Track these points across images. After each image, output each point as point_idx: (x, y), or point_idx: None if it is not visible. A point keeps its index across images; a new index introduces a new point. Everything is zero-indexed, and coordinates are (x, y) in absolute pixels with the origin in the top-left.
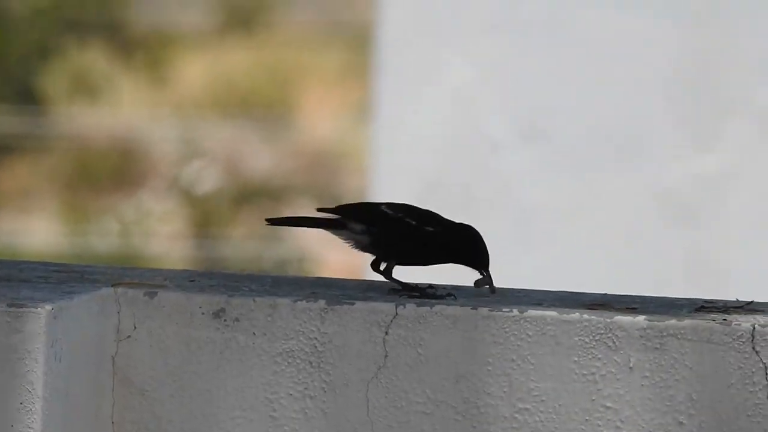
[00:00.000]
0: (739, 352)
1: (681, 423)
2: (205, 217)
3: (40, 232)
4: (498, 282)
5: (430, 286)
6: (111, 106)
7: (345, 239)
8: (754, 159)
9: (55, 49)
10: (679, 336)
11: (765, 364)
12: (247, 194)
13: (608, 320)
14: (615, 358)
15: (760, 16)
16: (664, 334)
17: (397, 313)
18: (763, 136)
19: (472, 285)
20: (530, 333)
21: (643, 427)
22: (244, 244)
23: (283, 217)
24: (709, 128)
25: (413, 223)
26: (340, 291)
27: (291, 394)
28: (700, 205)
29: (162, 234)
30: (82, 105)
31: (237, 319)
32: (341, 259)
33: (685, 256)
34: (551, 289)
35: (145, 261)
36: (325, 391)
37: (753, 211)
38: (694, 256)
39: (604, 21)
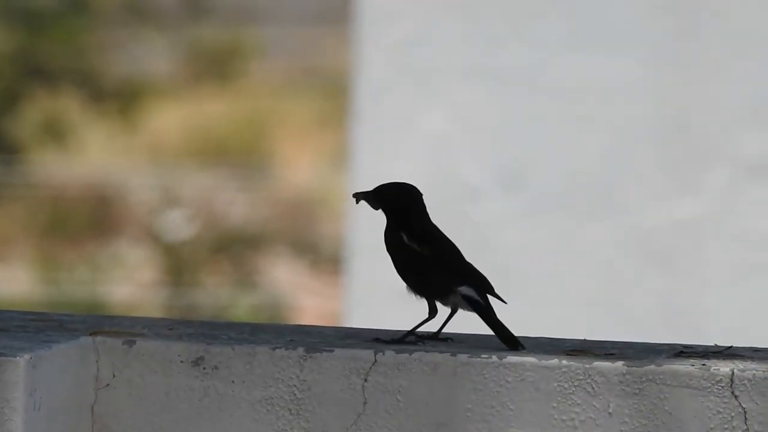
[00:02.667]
0: (718, 396)
1: None
2: (180, 264)
3: (14, 281)
4: (477, 329)
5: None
6: (84, 153)
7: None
8: (733, 205)
9: (25, 96)
10: (658, 381)
11: (744, 408)
12: (223, 242)
13: (587, 366)
14: (594, 403)
15: (740, 62)
16: (643, 379)
17: (376, 360)
18: (742, 182)
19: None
20: (509, 379)
21: None
22: (220, 291)
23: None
24: (688, 174)
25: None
26: (319, 338)
27: None
28: (679, 250)
29: (137, 282)
30: (55, 152)
31: (216, 367)
32: (321, 305)
33: (663, 302)
34: (530, 336)
35: (120, 309)
36: None
37: (731, 256)
38: (673, 302)
39: (583, 68)
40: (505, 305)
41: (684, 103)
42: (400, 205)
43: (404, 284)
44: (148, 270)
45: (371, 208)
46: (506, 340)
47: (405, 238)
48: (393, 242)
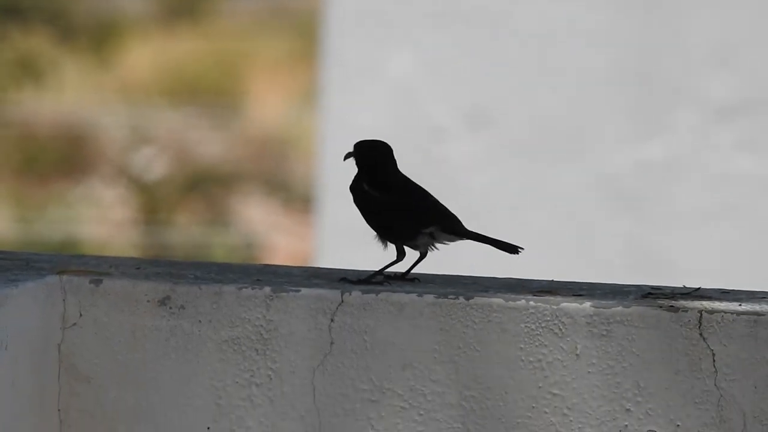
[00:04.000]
0: (686, 338)
1: (628, 410)
2: (153, 203)
3: None
4: (445, 269)
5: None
6: (56, 92)
7: None
8: (700, 147)
9: None
10: (626, 323)
11: (713, 350)
12: (195, 181)
13: (554, 307)
14: (561, 345)
15: (706, 5)
16: (611, 320)
17: (342, 301)
18: (709, 125)
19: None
20: (476, 320)
21: (590, 414)
22: (193, 230)
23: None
24: (654, 117)
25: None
26: (286, 278)
27: (237, 382)
28: (647, 192)
29: (109, 221)
30: (27, 91)
31: (182, 307)
32: (293, 245)
33: (631, 244)
34: (498, 276)
35: (93, 248)
36: (271, 379)
37: (698, 198)
38: (641, 244)
39: (548, 11)
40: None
41: (651, 47)
42: (368, 159)
43: (373, 232)
44: (120, 209)
45: (339, 150)
46: (504, 248)
47: (365, 185)
48: (355, 190)
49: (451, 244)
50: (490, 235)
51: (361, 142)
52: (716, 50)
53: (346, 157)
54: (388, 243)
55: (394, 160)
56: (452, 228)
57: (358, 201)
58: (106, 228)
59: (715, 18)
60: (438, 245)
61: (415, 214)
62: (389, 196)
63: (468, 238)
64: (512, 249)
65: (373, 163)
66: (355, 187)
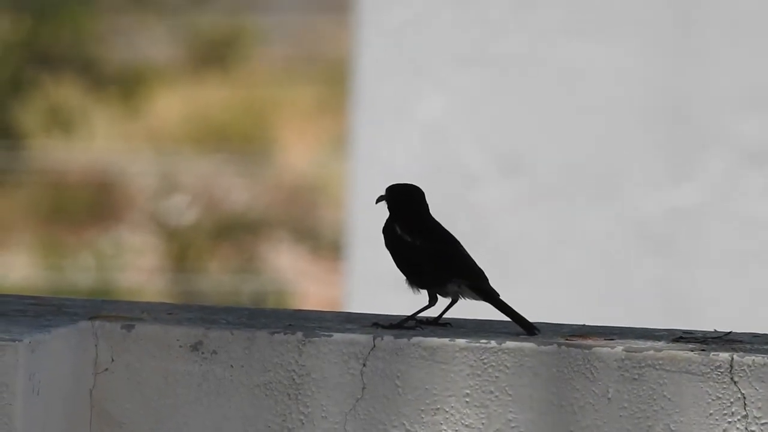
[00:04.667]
0: (717, 382)
1: None
2: (183, 250)
3: (17, 267)
4: (477, 314)
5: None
6: (86, 140)
7: None
8: (731, 191)
9: (29, 83)
10: (657, 366)
11: (743, 394)
12: (224, 228)
13: (586, 351)
14: (593, 389)
15: (737, 48)
16: (642, 364)
17: (374, 345)
18: (740, 169)
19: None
20: (508, 364)
21: None
22: (222, 277)
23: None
24: (686, 160)
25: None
26: (318, 323)
27: (269, 426)
28: (678, 236)
29: (139, 268)
30: (58, 139)
31: (215, 352)
32: (322, 292)
33: (662, 288)
34: (530, 321)
35: (122, 295)
36: (303, 423)
37: (729, 242)
38: (672, 288)
39: (580, 54)
40: (504, 292)
41: (681, 90)
42: (400, 203)
43: (404, 277)
44: (150, 256)
45: (370, 196)
46: (522, 325)
47: (398, 229)
48: (387, 234)
49: (475, 302)
50: (513, 307)
51: (393, 185)
52: (748, 93)
53: (379, 200)
54: (419, 288)
55: (427, 204)
56: (478, 285)
57: (389, 244)
58: (136, 275)
59: (747, 60)
60: (465, 298)
61: (444, 262)
62: (421, 241)
63: (489, 302)
64: (530, 329)
65: (406, 207)
66: (387, 230)
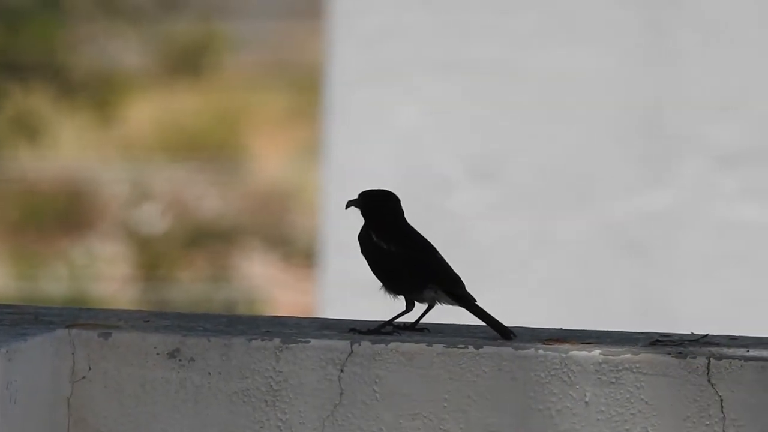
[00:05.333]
0: (694, 385)
1: None
2: (155, 259)
3: None
4: (455, 319)
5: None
6: (57, 148)
7: None
8: (705, 195)
9: None
10: (634, 370)
11: (721, 396)
12: (196, 236)
13: (564, 355)
14: (571, 392)
15: (710, 54)
16: (620, 368)
17: (352, 351)
18: (713, 173)
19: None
20: (486, 369)
21: None
22: (194, 286)
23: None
24: (659, 164)
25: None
26: (295, 329)
27: None
28: (653, 240)
29: (111, 277)
30: (28, 148)
31: (192, 359)
32: (294, 299)
33: (638, 291)
34: (507, 325)
35: (95, 304)
36: (281, 430)
37: (704, 246)
38: (648, 291)
39: (554, 60)
40: (481, 298)
41: (655, 95)
42: (375, 208)
43: (380, 283)
44: (122, 265)
45: (343, 203)
46: (498, 330)
47: (373, 236)
48: (362, 241)
49: (452, 307)
50: (489, 313)
51: (367, 191)
52: (720, 97)
53: (348, 205)
54: (396, 294)
55: (402, 210)
56: (454, 291)
57: (365, 251)
58: (109, 284)
59: (719, 65)
60: (441, 303)
61: (420, 268)
62: (396, 248)
63: (466, 308)
64: (506, 333)
65: (381, 213)
66: (362, 237)
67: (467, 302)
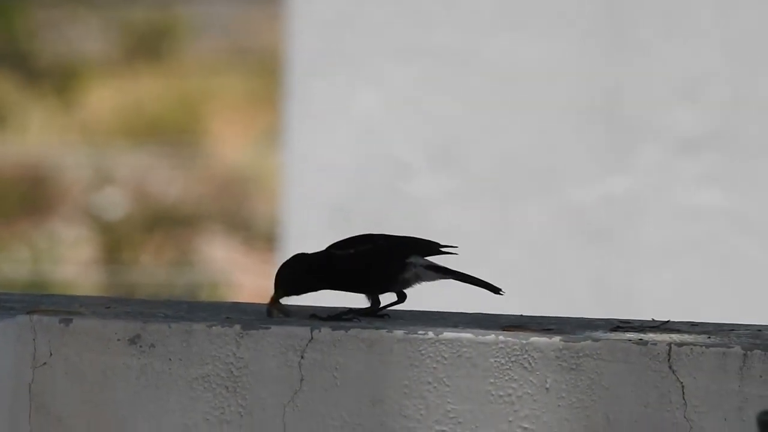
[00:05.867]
0: (655, 371)
1: None
2: (116, 243)
3: None
4: (413, 305)
5: (350, 310)
6: (19, 133)
7: None
8: (665, 181)
9: None
10: (595, 356)
11: (682, 383)
12: (157, 220)
13: (524, 341)
14: (531, 379)
15: (669, 40)
16: (580, 354)
17: (312, 337)
18: (673, 159)
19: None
20: (446, 355)
21: None
22: (156, 270)
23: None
24: (619, 151)
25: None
26: (255, 315)
27: (208, 419)
28: (613, 227)
29: (73, 260)
30: None
31: (153, 345)
32: (257, 283)
33: (599, 278)
34: (467, 312)
35: (57, 288)
36: (241, 416)
37: (664, 232)
38: (608, 278)
39: (513, 48)
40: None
41: (614, 81)
42: (306, 262)
43: (357, 293)
44: (84, 249)
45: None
46: (488, 288)
47: (336, 251)
48: (328, 264)
49: (435, 282)
50: (473, 275)
51: (279, 270)
52: (680, 84)
53: (274, 314)
54: (375, 293)
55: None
56: (429, 251)
57: (331, 270)
58: (70, 268)
59: (679, 51)
60: (423, 282)
61: (396, 248)
62: (364, 246)
63: (450, 275)
64: (495, 289)
65: (315, 255)
66: (325, 264)
67: (449, 270)
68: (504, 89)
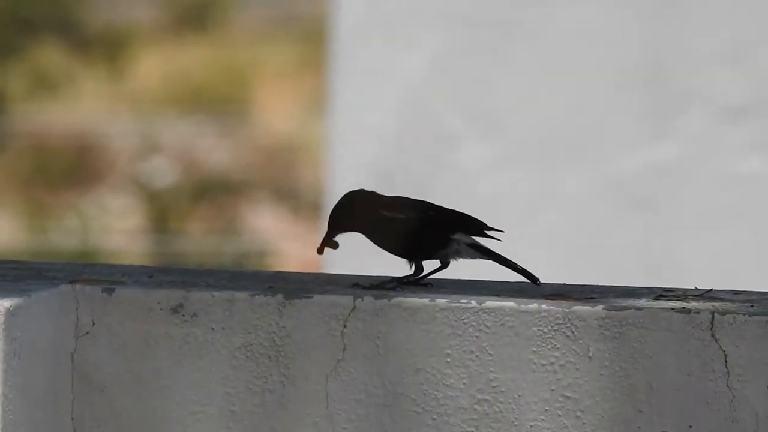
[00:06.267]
0: (698, 340)
1: (640, 411)
2: (163, 212)
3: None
4: (457, 275)
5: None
6: (69, 103)
7: None
8: (709, 148)
9: (12, 48)
10: (638, 325)
11: (725, 351)
12: (203, 189)
13: (567, 310)
14: (574, 347)
15: (714, 6)
16: (623, 323)
17: (355, 306)
18: (718, 126)
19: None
20: (489, 324)
21: (602, 416)
22: (202, 238)
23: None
24: (664, 118)
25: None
26: (298, 284)
27: (250, 389)
28: (656, 195)
29: (120, 230)
30: (41, 102)
31: (195, 314)
32: (303, 252)
33: (642, 247)
34: (510, 281)
35: (104, 257)
36: (284, 385)
37: (708, 200)
38: (650, 246)
39: (558, 14)
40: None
41: (659, 47)
42: (360, 204)
43: (399, 258)
44: (130, 218)
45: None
46: (525, 275)
47: (385, 213)
48: (375, 224)
49: (470, 262)
50: (513, 261)
51: (336, 207)
52: (727, 49)
53: (323, 249)
54: (416, 260)
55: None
56: (475, 230)
57: (378, 231)
58: (117, 237)
59: (725, 18)
60: (462, 259)
61: (444, 223)
62: (412, 213)
63: (489, 257)
64: (533, 278)
65: (371, 200)
66: (371, 223)
67: (491, 252)
68: (549, 55)
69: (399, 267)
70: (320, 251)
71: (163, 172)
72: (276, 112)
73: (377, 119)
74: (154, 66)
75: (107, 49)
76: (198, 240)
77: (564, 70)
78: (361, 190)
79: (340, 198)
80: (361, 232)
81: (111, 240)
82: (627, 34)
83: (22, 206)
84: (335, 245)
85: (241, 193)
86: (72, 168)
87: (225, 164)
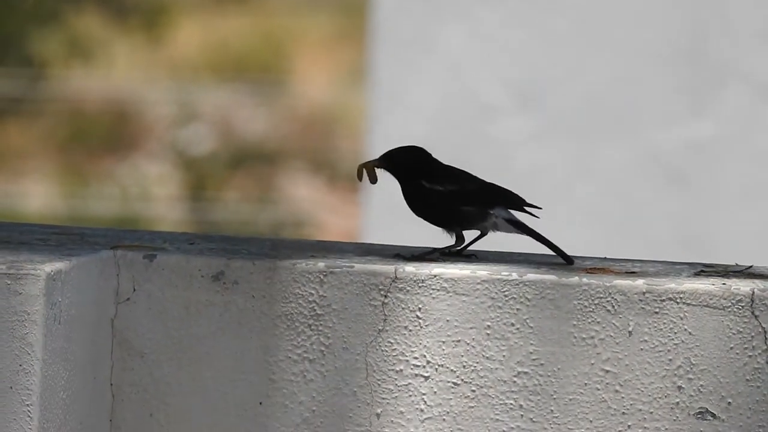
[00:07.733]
0: (738, 316)
1: (680, 387)
2: (200, 180)
3: (35, 195)
4: (496, 247)
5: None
6: (106, 69)
7: None
8: (749, 125)
9: (51, 13)
10: (678, 300)
11: (764, 328)
12: (241, 157)
13: (607, 284)
14: (614, 321)
15: None
16: (663, 298)
17: (396, 277)
18: (757, 103)
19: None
20: (529, 297)
21: (641, 391)
22: (239, 206)
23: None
24: (703, 94)
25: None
26: (339, 254)
27: (290, 357)
28: (696, 170)
29: (157, 197)
30: (78, 69)
31: (236, 282)
32: (339, 223)
33: (681, 222)
34: (550, 254)
35: (141, 223)
36: (324, 354)
37: (748, 176)
38: (691, 222)
39: None
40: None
41: (700, 24)
42: (412, 162)
43: (437, 227)
44: (167, 185)
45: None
46: (560, 254)
47: (425, 183)
48: (415, 192)
49: (511, 235)
50: (549, 239)
51: (395, 149)
52: (765, 27)
53: (361, 172)
54: (454, 231)
55: (434, 157)
56: (514, 205)
57: (419, 201)
58: (154, 204)
59: None
60: (499, 233)
61: (484, 196)
62: (453, 186)
63: (526, 233)
64: (567, 258)
65: (420, 163)
66: (413, 190)
67: (527, 228)
68: (589, 29)
69: (440, 238)
70: (359, 175)
71: (200, 140)
72: (314, 82)
73: (417, 91)
74: (193, 34)
75: (145, 16)
76: (234, 208)
77: (604, 44)
78: (422, 151)
79: (405, 145)
80: (402, 191)
81: (147, 207)
82: (668, 10)
83: (58, 171)
84: (375, 179)
85: (278, 163)
86: (109, 135)
87: (262, 133)
